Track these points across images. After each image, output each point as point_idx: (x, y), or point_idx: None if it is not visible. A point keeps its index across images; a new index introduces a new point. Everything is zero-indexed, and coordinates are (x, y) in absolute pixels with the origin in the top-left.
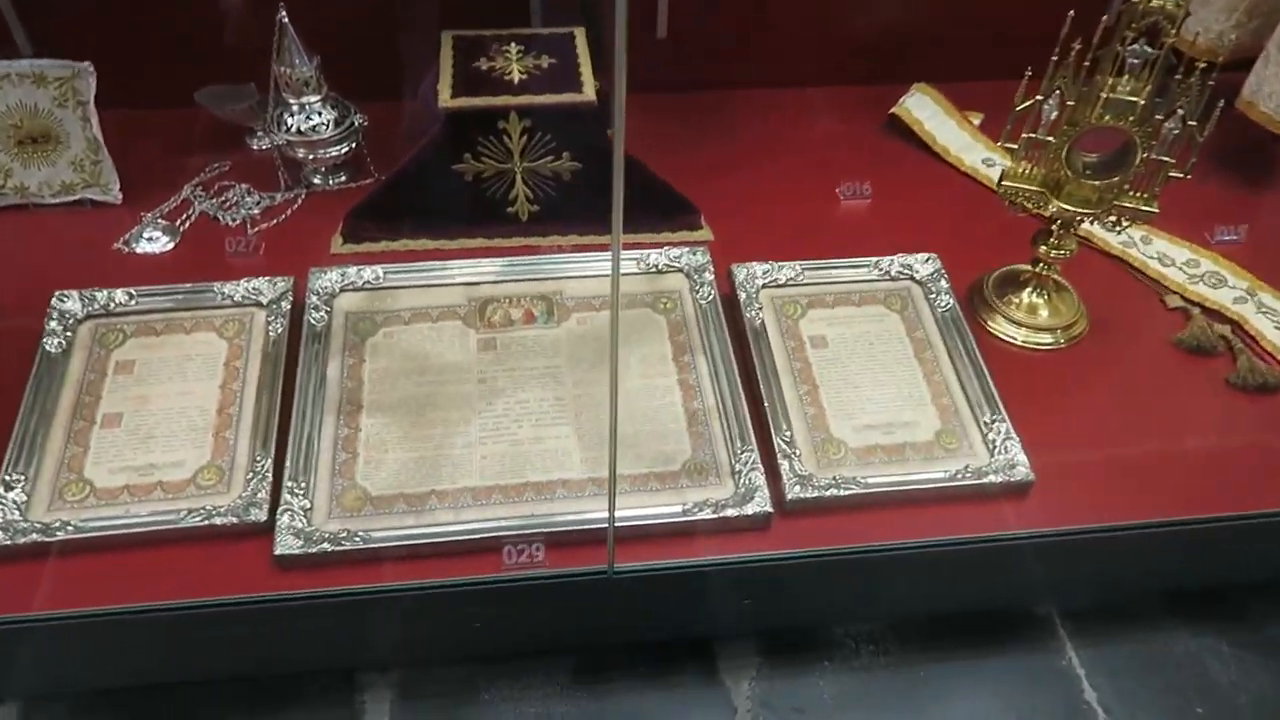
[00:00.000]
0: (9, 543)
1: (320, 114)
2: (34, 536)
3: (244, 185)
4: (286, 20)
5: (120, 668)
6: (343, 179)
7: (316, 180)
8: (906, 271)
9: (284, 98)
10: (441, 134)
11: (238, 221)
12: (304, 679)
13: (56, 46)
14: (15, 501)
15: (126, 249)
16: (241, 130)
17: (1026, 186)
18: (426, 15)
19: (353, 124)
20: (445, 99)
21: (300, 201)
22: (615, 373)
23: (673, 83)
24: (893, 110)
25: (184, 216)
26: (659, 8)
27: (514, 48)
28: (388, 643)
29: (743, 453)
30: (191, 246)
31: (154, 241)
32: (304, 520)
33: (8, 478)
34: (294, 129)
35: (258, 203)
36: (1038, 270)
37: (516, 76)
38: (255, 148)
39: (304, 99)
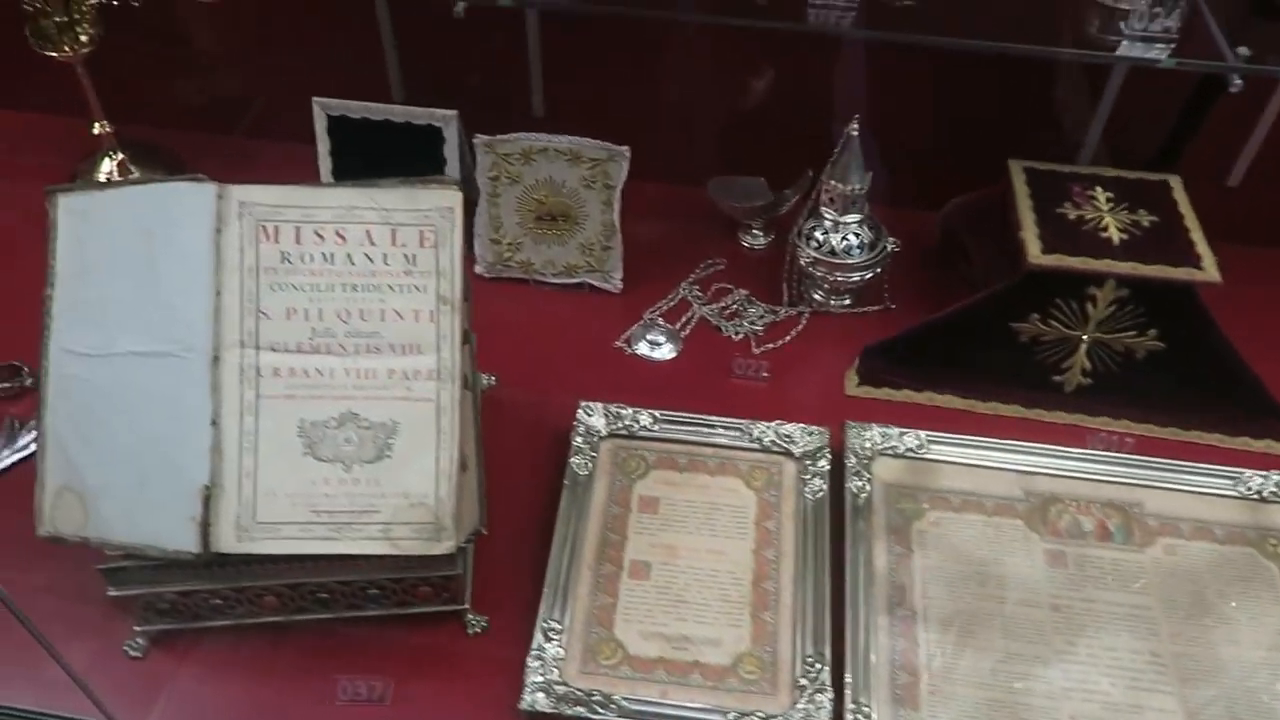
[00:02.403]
0: (552, 710)
1: (856, 235)
2: (578, 709)
3: (743, 291)
4: (857, 133)
5: None
6: (847, 302)
7: (817, 297)
8: None
9: (821, 211)
10: (1012, 287)
11: (740, 336)
12: None
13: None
14: (554, 658)
15: (628, 349)
16: (735, 223)
17: None
18: (968, 133)
19: (884, 249)
20: (1034, 254)
21: (804, 322)
22: None
23: (1239, 234)
24: None
25: (683, 320)
26: (1242, 152)
27: (1101, 194)
28: None
29: None
30: (694, 358)
31: (657, 348)
32: None
33: (545, 625)
34: (825, 247)
35: (760, 316)
36: None
37: (1115, 235)
38: (748, 245)
39: (845, 217)
